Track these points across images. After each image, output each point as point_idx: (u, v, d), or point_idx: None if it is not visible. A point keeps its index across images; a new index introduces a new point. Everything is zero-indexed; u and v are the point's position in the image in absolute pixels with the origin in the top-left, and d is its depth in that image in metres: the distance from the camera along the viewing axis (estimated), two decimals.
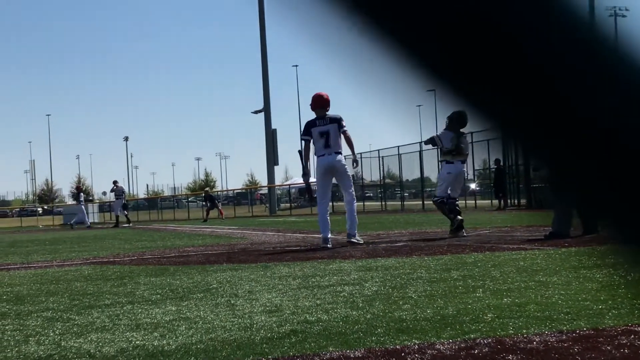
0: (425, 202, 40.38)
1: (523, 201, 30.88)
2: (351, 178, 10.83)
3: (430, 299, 4.82)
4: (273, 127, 46.49)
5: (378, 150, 44.29)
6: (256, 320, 4.31)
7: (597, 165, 0.75)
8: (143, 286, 6.57)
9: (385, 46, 0.76)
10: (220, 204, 41.72)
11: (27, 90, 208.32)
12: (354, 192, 10.78)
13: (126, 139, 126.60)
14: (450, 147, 11.83)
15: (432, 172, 40.73)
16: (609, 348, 3.15)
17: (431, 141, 12.16)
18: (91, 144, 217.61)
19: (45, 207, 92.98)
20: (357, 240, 10.49)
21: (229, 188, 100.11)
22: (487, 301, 4.57)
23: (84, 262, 10.34)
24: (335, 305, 4.77)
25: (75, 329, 4.38)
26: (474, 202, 36.72)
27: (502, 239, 10.54)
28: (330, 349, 3.42)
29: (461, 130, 11.92)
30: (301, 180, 11.28)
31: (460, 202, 36.69)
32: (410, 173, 42.70)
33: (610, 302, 4.30)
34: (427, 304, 4.60)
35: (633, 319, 3.79)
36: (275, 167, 47.25)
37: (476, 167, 37.50)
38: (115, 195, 36.47)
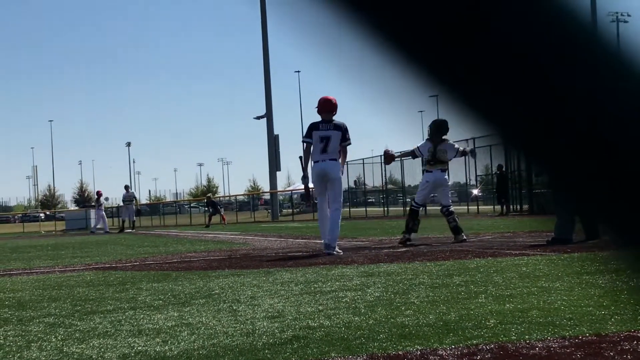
0: (427, 208, 40.40)
1: (525, 207, 30.87)
2: (342, 187, 10.66)
3: (432, 304, 4.82)
4: (275, 132, 46.52)
5: (380, 155, 44.28)
6: (258, 326, 4.30)
7: (597, 170, 0.75)
8: (145, 292, 6.57)
9: (387, 50, 0.76)
10: (222, 209, 41.71)
11: (29, 96, 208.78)
12: (341, 202, 10.63)
13: (128, 144, 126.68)
14: (428, 156, 11.96)
15: None
16: (611, 354, 3.15)
17: (411, 153, 12.25)
18: (93, 150, 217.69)
19: (48, 213, 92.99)
20: (337, 252, 10.00)
21: (232, 194, 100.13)
22: (489, 307, 4.56)
23: (86, 267, 10.34)
24: (338, 310, 4.76)
25: (77, 335, 4.38)
26: (476, 207, 36.72)
27: (505, 244, 10.53)
28: (333, 354, 3.41)
29: (443, 137, 11.95)
30: (303, 186, 11.12)
31: (463, 208, 36.76)
32: (413, 178, 42.62)
33: (613, 308, 4.29)
34: (430, 309, 4.60)
35: (636, 324, 3.78)
36: (278, 173, 47.28)
37: (478, 173, 37.48)
38: (126, 200, 36.48)
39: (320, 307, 4.96)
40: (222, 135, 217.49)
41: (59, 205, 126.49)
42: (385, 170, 43.94)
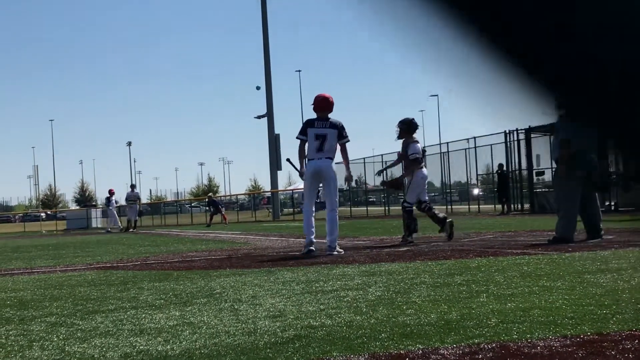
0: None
1: (526, 206, 30.86)
2: (337, 187, 10.51)
3: (434, 303, 4.82)
4: (276, 132, 46.51)
5: (381, 155, 44.27)
6: (260, 325, 4.31)
7: None
8: (147, 291, 6.57)
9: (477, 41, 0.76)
10: (223, 208, 41.71)
11: (30, 96, 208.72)
12: (337, 202, 10.48)
13: (129, 144, 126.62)
14: (419, 155, 12.05)
15: (435, 177, 40.72)
16: (613, 353, 3.15)
17: (418, 161, 12.15)
18: (94, 149, 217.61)
19: (49, 213, 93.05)
20: (338, 251, 9.97)
21: (233, 193, 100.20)
22: (491, 306, 4.56)
23: (87, 267, 10.35)
24: (339, 310, 4.77)
25: (79, 334, 4.39)
26: (477, 206, 36.71)
27: (506, 243, 10.53)
28: (334, 354, 3.42)
29: (413, 136, 12.11)
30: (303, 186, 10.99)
31: (464, 207, 36.65)
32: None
33: (614, 307, 4.30)
34: (431, 308, 4.60)
35: (637, 324, 3.78)
36: (279, 172, 47.27)
37: (479, 172, 37.48)
38: (130, 200, 36.49)
39: (322, 307, 4.96)
40: (223, 135, 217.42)
41: (60, 205, 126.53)
42: (386, 170, 43.90)
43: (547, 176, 30.90)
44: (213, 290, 6.36)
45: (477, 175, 37.70)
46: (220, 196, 71.40)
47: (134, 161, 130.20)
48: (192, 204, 74.29)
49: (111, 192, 38.07)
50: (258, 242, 15.30)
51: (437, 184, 42.36)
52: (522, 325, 3.84)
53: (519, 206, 31.53)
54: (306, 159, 10.32)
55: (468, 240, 11.62)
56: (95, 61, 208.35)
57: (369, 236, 15.51)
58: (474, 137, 35.34)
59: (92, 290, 6.92)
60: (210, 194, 51.97)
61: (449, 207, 38.18)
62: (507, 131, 31.75)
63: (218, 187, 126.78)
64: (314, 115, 10.39)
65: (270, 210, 50.09)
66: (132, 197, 36.43)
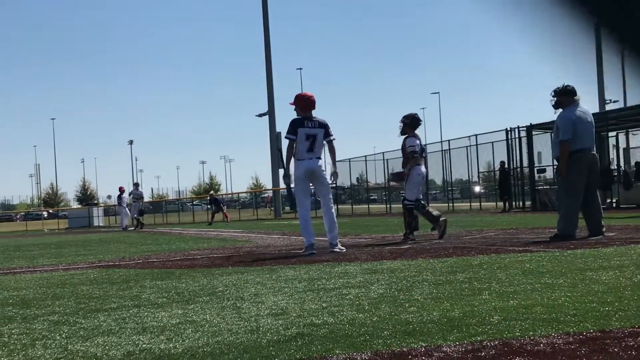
0: (430, 205, 40.38)
1: (528, 203, 30.85)
2: (329, 184, 10.36)
3: (436, 301, 4.82)
4: (277, 130, 46.51)
5: (383, 152, 44.27)
6: (262, 323, 4.31)
7: None
8: (149, 289, 6.58)
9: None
10: (225, 207, 41.73)
11: (31, 94, 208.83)
12: (332, 199, 10.42)
13: (131, 142, 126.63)
14: (419, 150, 11.96)
15: (436, 174, 40.76)
16: (616, 350, 3.15)
17: (415, 154, 11.92)
18: (96, 148, 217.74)
19: (51, 211, 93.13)
20: (340, 249, 10.01)
21: (234, 191, 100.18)
22: (493, 303, 4.57)
23: (89, 265, 10.35)
24: (342, 308, 4.77)
25: (81, 333, 4.39)
26: (478, 204, 36.71)
27: (508, 241, 10.53)
28: (337, 351, 3.42)
29: (415, 132, 12.06)
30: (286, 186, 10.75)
31: (465, 204, 36.65)
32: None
33: (616, 303, 4.30)
34: (433, 306, 4.60)
35: None
36: (280, 170, 47.26)
37: (480, 170, 37.47)
38: (133, 197, 36.50)
39: (324, 304, 4.96)
40: (224, 133, 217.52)
41: (62, 204, 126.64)
42: (387, 167, 43.91)
43: (549, 173, 30.92)
44: (215, 288, 6.36)
45: (478, 172, 37.70)
46: (222, 194, 71.41)
47: (136, 160, 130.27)
48: (194, 202, 74.31)
49: (122, 190, 38.05)
50: (260, 240, 15.30)
51: (439, 181, 42.37)
52: (524, 323, 3.84)
53: (521, 203, 31.52)
54: (294, 160, 10.10)
55: (470, 238, 11.62)
56: (97, 60, 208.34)
57: (371, 234, 15.51)
58: (475, 135, 35.35)
59: (94, 289, 6.92)
60: (212, 192, 51.95)
61: (450, 204, 38.18)
62: (509, 128, 31.76)
63: (220, 185, 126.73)
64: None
65: (272, 208, 50.11)
66: (137, 195, 36.47)
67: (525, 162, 31.05)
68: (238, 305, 5.20)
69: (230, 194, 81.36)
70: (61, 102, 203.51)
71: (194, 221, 48.33)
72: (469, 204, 37.81)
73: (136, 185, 38.75)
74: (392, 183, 45.88)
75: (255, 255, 10.55)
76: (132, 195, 36.41)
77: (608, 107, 45.27)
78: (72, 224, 58.86)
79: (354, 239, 13.47)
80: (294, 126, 10.06)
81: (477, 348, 3.31)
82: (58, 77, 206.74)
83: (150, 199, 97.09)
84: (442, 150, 38.05)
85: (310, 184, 10.27)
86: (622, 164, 30.60)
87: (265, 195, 68.01)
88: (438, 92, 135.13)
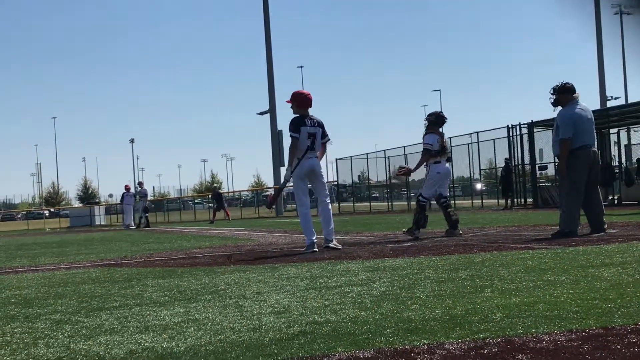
0: (431, 202, 40.34)
1: (530, 200, 30.84)
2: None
3: (438, 299, 4.82)
4: (279, 128, 46.55)
5: (384, 150, 44.27)
6: (265, 322, 4.31)
7: None
8: (151, 288, 6.58)
9: None
10: (226, 204, 41.72)
11: (32, 93, 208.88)
12: (328, 195, 10.43)
13: (132, 141, 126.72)
14: (438, 148, 11.90)
15: None
16: (618, 347, 3.15)
17: (429, 152, 11.90)
18: (97, 146, 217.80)
19: (52, 210, 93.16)
20: (335, 245, 10.06)
21: (235, 189, 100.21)
22: (495, 301, 4.56)
23: (91, 264, 10.36)
24: (344, 305, 4.77)
25: (84, 332, 4.39)
26: (480, 201, 36.68)
27: (510, 238, 10.53)
28: (339, 349, 3.42)
29: (440, 130, 12.03)
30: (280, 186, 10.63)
31: (467, 202, 36.67)
32: (416, 173, 42.58)
33: (619, 300, 4.30)
34: (436, 304, 4.60)
35: None
36: (282, 168, 47.27)
37: (482, 167, 37.45)
38: (139, 195, 36.57)
39: (327, 302, 4.96)
40: (225, 131, 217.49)
41: (63, 203, 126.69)
42: (389, 165, 43.91)
43: (550, 170, 30.90)
44: (217, 286, 6.37)
45: (480, 170, 37.68)
46: (223, 192, 71.44)
47: (137, 158, 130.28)
48: (195, 201, 74.31)
49: (127, 188, 38.07)
50: (262, 239, 15.30)
51: None
52: (527, 320, 3.84)
53: (522, 201, 31.51)
54: (295, 158, 10.05)
55: (472, 235, 11.62)
56: (98, 58, 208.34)
57: (373, 231, 15.50)
58: (477, 132, 35.33)
59: (96, 288, 6.92)
60: (215, 185, 51.89)
61: (452, 202, 38.15)
62: (510, 125, 31.74)
63: (221, 183, 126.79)
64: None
65: (274, 206, 50.10)
66: (142, 194, 36.56)
67: (527, 159, 31.04)
68: (240, 303, 5.20)
69: (231, 192, 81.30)
70: (62, 101, 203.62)
71: (196, 219, 48.36)
72: (470, 201, 37.78)
73: (140, 184, 38.78)
74: (393, 180, 45.93)
75: (257, 253, 10.55)
76: (138, 194, 36.49)
77: (609, 104, 45.22)
78: (73, 222, 58.88)
79: (355, 237, 13.47)
80: (296, 125, 10.06)
81: (480, 345, 3.31)
82: (59, 76, 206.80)
83: (152, 198, 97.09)
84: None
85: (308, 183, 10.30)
86: (623, 160, 30.59)
87: (268, 193, 67.98)
88: (439, 90, 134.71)
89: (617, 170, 28.26)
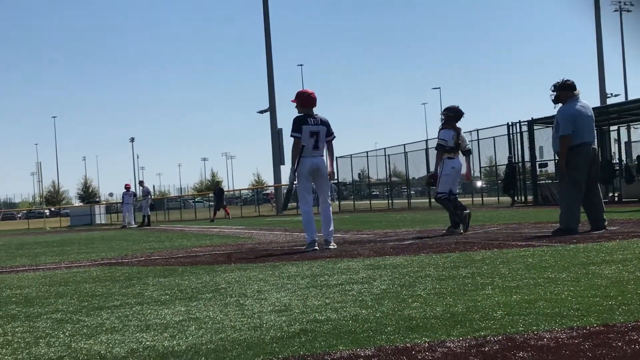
0: (432, 200, 40.37)
1: (530, 198, 30.84)
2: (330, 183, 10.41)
3: (439, 296, 4.82)
4: (279, 126, 46.55)
5: (384, 148, 44.27)
6: (266, 320, 4.31)
7: None
8: (152, 287, 6.58)
9: None
10: (226, 202, 41.69)
11: (32, 92, 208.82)
12: (330, 197, 10.45)
13: (132, 140, 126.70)
14: (452, 144, 11.81)
15: None
16: (619, 344, 3.15)
17: (443, 148, 11.78)
18: (97, 146, 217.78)
19: (52, 209, 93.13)
20: (333, 246, 10.05)
21: (236, 188, 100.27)
22: (496, 298, 4.56)
23: (92, 263, 10.36)
24: (345, 304, 4.77)
25: (85, 331, 4.39)
26: (480, 199, 36.68)
27: (510, 236, 10.52)
28: (340, 347, 3.42)
29: (457, 125, 11.93)
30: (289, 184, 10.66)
31: (467, 200, 36.66)
32: (417, 171, 42.65)
33: (620, 298, 4.30)
34: (437, 301, 4.60)
35: None
36: (282, 167, 47.29)
37: (482, 165, 37.43)
38: (142, 194, 36.61)
39: (327, 301, 4.96)
40: (225, 130, 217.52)
41: (64, 202, 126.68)
42: (389, 163, 43.92)
43: (551, 168, 30.90)
44: (218, 285, 6.37)
45: (480, 167, 37.67)
46: (224, 191, 71.39)
47: (137, 157, 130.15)
48: (196, 200, 74.32)
49: (127, 187, 38.08)
50: (262, 237, 15.31)
51: None
52: (527, 317, 3.84)
53: (523, 198, 31.51)
54: (299, 157, 10.06)
55: (472, 233, 11.62)
56: (98, 57, 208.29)
57: (373, 230, 15.50)
58: (477, 130, 35.33)
59: (97, 287, 6.93)
60: (217, 180, 51.80)
61: None
62: (510, 123, 31.74)
63: (220, 182, 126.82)
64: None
65: (274, 204, 50.13)
66: (144, 192, 36.61)
67: (527, 157, 31.03)
68: (241, 302, 5.21)
69: (232, 190, 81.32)
70: (63, 100, 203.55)
71: (196, 218, 48.36)
72: (470, 199, 37.78)
73: (141, 182, 38.80)
74: (394, 178, 45.93)
75: (258, 252, 10.55)
76: (142, 193, 36.54)
77: (609, 101, 45.19)
78: (74, 221, 58.85)
79: (356, 235, 13.47)
80: (298, 124, 10.05)
81: (481, 343, 3.31)
82: (59, 75, 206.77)
83: (152, 197, 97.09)
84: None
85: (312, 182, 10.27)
86: (623, 157, 30.59)
87: (269, 191, 68.04)
88: (439, 88, 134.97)
89: (617, 168, 28.26)
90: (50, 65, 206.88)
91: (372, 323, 3.98)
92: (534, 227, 12.51)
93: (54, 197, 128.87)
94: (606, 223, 10.41)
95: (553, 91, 10.36)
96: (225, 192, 46.19)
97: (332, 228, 10.25)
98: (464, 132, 12.31)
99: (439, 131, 11.93)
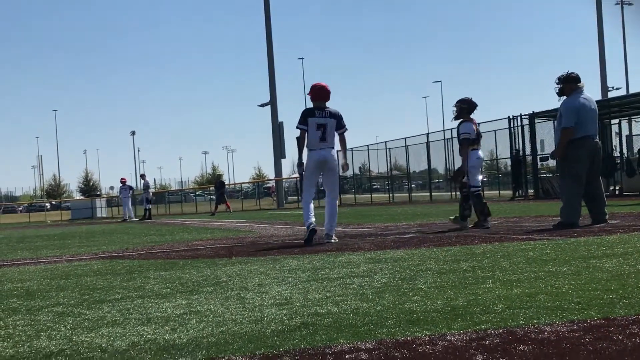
0: (432, 194, 40.38)
1: (531, 191, 30.83)
2: (338, 176, 10.42)
3: (440, 290, 4.82)
4: (280, 120, 46.50)
5: (385, 142, 44.25)
6: (266, 313, 4.31)
7: None
8: (153, 280, 6.58)
9: None
10: (227, 196, 41.70)
11: (33, 86, 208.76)
12: (338, 190, 10.47)
13: (133, 133, 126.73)
14: (474, 136, 11.63)
15: (439, 163, 40.70)
16: (620, 337, 3.15)
17: (468, 142, 11.54)
18: (98, 139, 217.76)
19: (53, 202, 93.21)
20: (335, 239, 10.08)
21: (237, 181, 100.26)
22: (497, 292, 4.57)
23: (93, 257, 10.36)
24: (345, 297, 4.77)
25: (86, 324, 4.40)
26: (481, 192, 36.60)
27: (511, 229, 10.53)
28: (341, 341, 3.42)
29: (471, 117, 11.78)
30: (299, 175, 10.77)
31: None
32: (418, 164, 42.69)
33: (620, 291, 4.30)
34: (437, 295, 4.60)
35: None
36: (283, 160, 47.28)
37: (484, 158, 37.39)
38: (142, 188, 36.64)
39: (328, 294, 4.96)
40: (226, 123, 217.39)
41: (65, 195, 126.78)
42: (390, 156, 43.91)
43: (552, 161, 30.89)
44: (219, 278, 6.37)
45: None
46: (225, 184, 71.41)
47: (138, 150, 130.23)
48: (197, 193, 74.33)
49: (123, 181, 38.11)
50: (263, 230, 15.31)
51: (441, 170, 42.33)
52: (528, 311, 3.84)
53: (524, 192, 31.50)
54: (307, 149, 10.20)
55: (472, 226, 11.61)
56: (99, 51, 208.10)
57: (374, 223, 15.50)
58: (478, 123, 35.24)
59: (98, 280, 6.93)
60: (219, 174, 51.84)
61: (453, 193, 38.17)
62: (511, 116, 31.71)
63: (222, 175, 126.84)
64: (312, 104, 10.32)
65: (275, 198, 50.14)
66: (145, 185, 36.63)
67: (528, 150, 31.00)
68: (242, 295, 5.21)
69: (232, 184, 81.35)
70: (63, 94, 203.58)
71: (197, 212, 48.39)
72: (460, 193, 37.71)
73: (142, 176, 38.85)
74: (394, 172, 45.89)
75: (259, 245, 10.56)
76: (145, 187, 36.57)
77: (610, 95, 45.14)
78: (74, 215, 58.93)
79: (356, 229, 13.47)
80: (304, 116, 10.16)
81: (482, 336, 3.31)
82: (60, 68, 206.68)
83: (153, 190, 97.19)
84: (444, 139, 37.98)
85: (321, 174, 10.27)
86: (624, 151, 30.57)
87: (270, 185, 68.08)
88: (440, 81, 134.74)
89: (618, 161, 28.24)
90: (51, 59, 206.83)
91: (372, 316, 3.98)
92: (534, 220, 12.51)
93: (54, 191, 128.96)
94: (607, 217, 10.41)
95: (557, 84, 10.36)
96: (226, 186, 46.24)
97: (334, 223, 10.24)
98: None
99: (459, 125, 11.67)
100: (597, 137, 10.42)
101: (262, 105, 48.47)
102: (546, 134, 30.48)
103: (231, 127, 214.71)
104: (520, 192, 30.98)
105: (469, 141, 11.56)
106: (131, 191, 38.99)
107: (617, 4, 62.96)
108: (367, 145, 46.97)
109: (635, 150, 30.43)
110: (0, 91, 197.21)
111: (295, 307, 4.49)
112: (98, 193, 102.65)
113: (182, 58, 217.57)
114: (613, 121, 29.94)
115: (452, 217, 11.83)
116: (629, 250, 6.58)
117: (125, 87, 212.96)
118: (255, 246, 10.34)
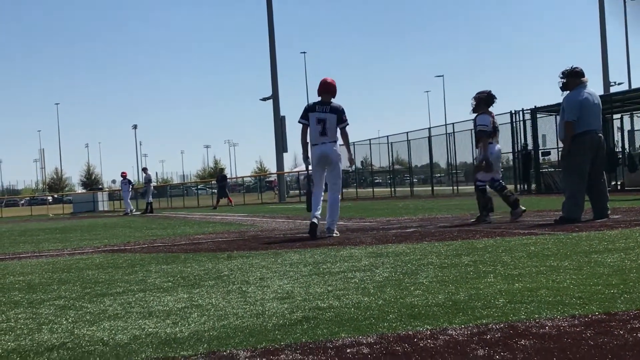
0: (434, 188, 40.36)
1: (533, 186, 30.81)
2: (341, 170, 10.45)
3: (441, 284, 4.82)
4: (282, 114, 46.47)
5: (387, 136, 44.23)
6: (268, 307, 4.32)
7: None
8: (154, 274, 6.59)
9: None
10: (228, 190, 41.69)
11: (35, 79, 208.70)
12: (340, 184, 10.50)
13: (135, 126, 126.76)
14: (492, 129, 11.50)
15: (440, 157, 40.66)
16: (621, 332, 3.15)
17: (485, 134, 11.41)
18: (100, 132, 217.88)
19: (55, 196, 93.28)
20: (336, 233, 10.10)
21: (239, 175, 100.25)
22: (498, 286, 4.57)
23: (94, 250, 10.38)
24: (347, 291, 4.77)
25: (87, 317, 4.40)
26: None
27: (513, 224, 10.52)
28: (342, 335, 3.42)
29: (489, 110, 11.62)
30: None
31: (470, 187, 36.58)
32: (419, 159, 42.62)
33: (622, 286, 4.30)
34: (439, 289, 4.61)
35: None
36: (285, 154, 47.27)
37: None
38: (144, 181, 36.72)
39: (330, 288, 4.97)
40: (228, 117, 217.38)
41: (66, 188, 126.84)
42: (392, 151, 43.88)
43: (553, 156, 30.86)
44: (221, 272, 6.38)
45: None
46: (227, 178, 71.42)
47: (140, 144, 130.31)
48: (199, 187, 74.33)
49: (124, 175, 38.13)
50: (265, 224, 15.32)
51: (443, 164, 42.30)
52: (529, 306, 3.85)
53: (526, 186, 31.48)
54: (310, 144, 10.24)
55: (474, 220, 11.61)
56: (101, 44, 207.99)
57: (376, 217, 15.51)
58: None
59: (100, 273, 6.94)
60: (221, 167, 51.82)
61: (455, 187, 38.17)
62: (513, 111, 31.67)
63: (224, 168, 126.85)
64: (318, 98, 10.36)
65: (277, 192, 50.14)
66: (147, 178, 36.69)
67: (530, 145, 30.97)
68: (243, 289, 5.21)
69: (234, 178, 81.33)
70: (65, 87, 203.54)
71: (199, 205, 48.40)
72: (473, 187, 37.74)
73: (144, 169, 38.91)
74: (397, 166, 45.88)
75: (260, 239, 10.56)
76: (147, 180, 36.64)
77: (613, 90, 45.05)
78: (76, 208, 58.96)
79: (358, 223, 13.48)
80: (305, 111, 10.28)
81: (483, 331, 3.32)
82: (62, 62, 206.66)
83: (155, 183, 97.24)
84: (446, 134, 37.97)
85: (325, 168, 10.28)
86: (626, 146, 30.52)
87: (272, 179, 68.07)
88: (442, 75, 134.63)
89: (620, 156, 28.21)
90: (53, 52, 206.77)
91: (374, 310, 3.98)
92: (536, 215, 12.51)
93: (56, 184, 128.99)
94: (609, 212, 10.41)
95: (561, 78, 10.36)
96: (228, 179, 46.24)
97: (336, 217, 10.24)
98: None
99: (476, 117, 11.57)
100: (601, 131, 10.40)
101: (265, 99, 48.45)
102: (548, 128, 30.44)
103: (233, 121, 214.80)
104: (525, 186, 30.94)
105: (486, 133, 11.45)
106: (131, 185, 39.03)
107: None
108: (369, 140, 46.93)
109: (637, 145, 30.39)
110: (3, 84, 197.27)
111: (297, 301, 4.49)
112: (100, 187, 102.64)
113: (184, 52, 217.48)
114: (615, 116, 29.89)
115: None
116: (630, 245, 6.58)
117: (128, 81, 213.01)
118: (257, 240, 10.34)
